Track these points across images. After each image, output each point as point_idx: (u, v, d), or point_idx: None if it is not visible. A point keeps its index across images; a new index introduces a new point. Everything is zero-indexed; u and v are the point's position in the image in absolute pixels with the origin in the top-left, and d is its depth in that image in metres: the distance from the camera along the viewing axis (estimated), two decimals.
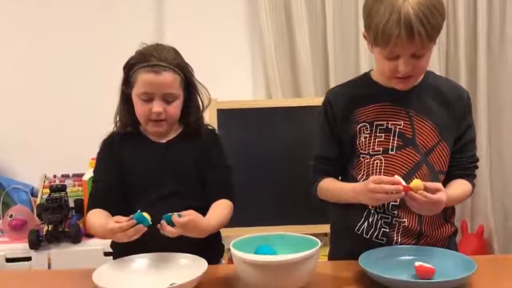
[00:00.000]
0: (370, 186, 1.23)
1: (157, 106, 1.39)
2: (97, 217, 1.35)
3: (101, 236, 1.32)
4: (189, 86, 1.46)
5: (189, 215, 1.24)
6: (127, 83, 1.44)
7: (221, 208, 1.41)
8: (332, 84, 2.59)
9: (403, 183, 1.22)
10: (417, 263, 1.18)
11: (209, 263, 1.22)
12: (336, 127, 1.42)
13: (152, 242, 1.28)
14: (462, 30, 2.62)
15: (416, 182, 1.22)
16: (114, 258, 1.40)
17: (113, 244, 1.51)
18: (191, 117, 1.48)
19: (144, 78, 1.38)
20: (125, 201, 1.42)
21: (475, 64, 2.65)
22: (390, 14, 1.20)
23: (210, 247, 1.39)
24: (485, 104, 2.63)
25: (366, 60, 2.61)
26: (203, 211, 1.35)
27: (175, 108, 1.42)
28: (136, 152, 1.46)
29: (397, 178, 1.23)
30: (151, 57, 1.39)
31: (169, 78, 1.39)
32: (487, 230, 2.70)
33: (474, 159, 1.44)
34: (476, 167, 1.45)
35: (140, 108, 1.42)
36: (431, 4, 1.21)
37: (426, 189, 1.22)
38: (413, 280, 1.15)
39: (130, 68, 1.42)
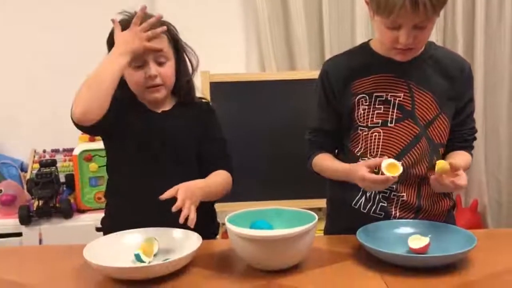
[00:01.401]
0: (359, 174, 1.22)
1: (152, 69, 1.34)
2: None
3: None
4: (177, 47, 1.42)
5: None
6: None
7: (218, 176, 1.39)
8: (327, 56, 2.55)
9: (399, 166, 1.20)
10: (412, 238, 1.17)
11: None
12: (334, 99, 1.39)
13: (144, 220, 1.25)
14: (460, 4, 2.58)
15: (442, 165, 1.20)
16: (104, 234, 1.36)
17: (104, 221, 1.48)
18: (182, 80, 1.42)
19: None
20: (118, 164, 1.40)
21: (472, 39, 2.62)
22: None
23: (205, 225, 1.34)
24: (482, 79, 2.61)
25: (362, 34, 2.57)
26: None
27: (169, 69, 1.38)
28: (133, 119, 1.38)
29: (385, 162, 1.21)
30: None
31: (159, 42, 1.34)
32: (481, 204, 2.71)
33: (474, 131, 1.43)
34: (475, 138, 1.44)
35: (134, 77, 1.35)
36: None
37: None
38: (410, 255, 1.13)
39: (113, 38, 1.34)
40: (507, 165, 2.71)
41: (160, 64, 1.36)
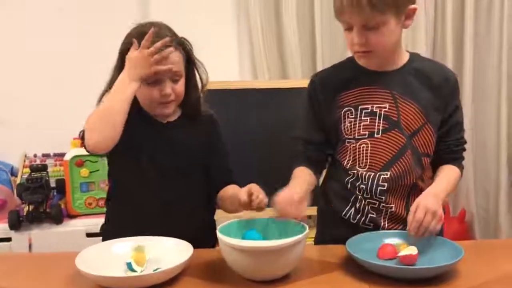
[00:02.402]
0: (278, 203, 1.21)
1: (167, 88, 1.33)
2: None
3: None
4: (189, 62, 1.40)
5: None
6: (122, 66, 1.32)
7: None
8: (319, 66, 2.57)
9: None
10: (401, 249, 1.18)
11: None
12: (320, 111, 1.41)
13: (149, 228, 1.26)
14: (450, 14, 2.61)
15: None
16: (104, 240, 1.37)
17: (104, 227, 1.48)
18: (192, 95, 1.41)
19: None
20: (123, 172, 1.39)
21: (462, 49, 2.66)
22: None
23: (205, 237, 1.35)
24: (470, 88, 2.65)
25: None
26: (203, 194, 1.36)
27: (181, 87, 1.37)
28: (137, 129, 1.35)
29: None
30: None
31: (176, 57, 1.33)
32: (469, 213, 2.74)
33: (462, 141, 1.42)
34: (464, 149, 1.43)
35: (146, 92, 1.33)
36: None
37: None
38: (398, 266, 1.15)
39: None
40: (495, 175, 2.74)
41: (174, 81, 1.35)
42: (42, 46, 2.61)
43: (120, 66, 1.33)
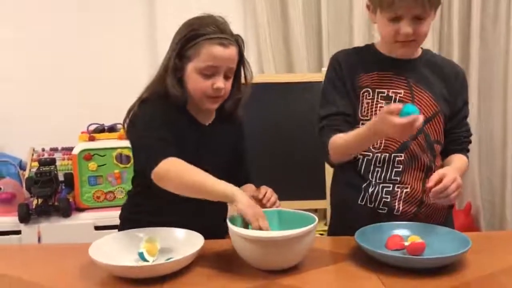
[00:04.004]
0: (389, 120, 1.18)
1: (221, 82, 1.32)
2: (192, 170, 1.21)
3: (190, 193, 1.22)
4: (239, 62, 1.39)
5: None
6: (182, 56, 1.32)
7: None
8: (326, 60, 2.58)
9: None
10: (409, 240, 1.20)
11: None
12: (345, 86, 1.43)
13: (179, 223, 1.27)
14: (456, 9, 2.61)
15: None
16: (120, 230, 1.38)
17: (123, 215, 1.49)
18: (233, 95, 1.40)
19: (211, 52, 1.29)
20: None
21: (468, 43, 2.66)
22: None
23: (220, 225, 1.32)
24: (476, 82, 2.66)
25: (360, 38, 2.61)
26: None
27: (229, 85, 1.36)
28: (185, 130, 1.35)
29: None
30: (213, 29, 1.30)
31: (234, 52, 1.33)
32: (474, 206, 2.75)
33: (469, 133, 1.49)
34: (470, 142, 1.50)
35: (199, 83, 1.32)
36: None
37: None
38: (407, 256, 1.16)
39: (189, 41, 1.30)
40: (500, 167, 2.75)
41: (226, 78, 1.34)
42: (50, 42, 2.63)
43: (179, 52, 1.32)
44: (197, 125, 1.40)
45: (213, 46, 1.29)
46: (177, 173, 1.21)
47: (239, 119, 1.49)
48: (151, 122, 1.30)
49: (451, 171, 1.26)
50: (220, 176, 1.25)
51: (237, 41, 1.35)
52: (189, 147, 1.33)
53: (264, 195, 1.37)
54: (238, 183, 1.45)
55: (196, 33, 1.30)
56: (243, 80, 1.42)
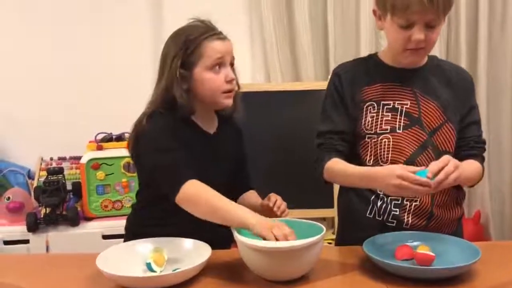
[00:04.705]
0: (398, 172, 1.17)
1: (231, 72, 1.37)
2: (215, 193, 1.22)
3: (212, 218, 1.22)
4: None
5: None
6: (186, 64, 1.34)
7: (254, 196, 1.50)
8: (332, 68, 2.57)
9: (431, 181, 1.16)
10: (418, 250, 1.19)
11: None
12: (345, 103, 1.41)
13: (167, 230, 1.29)
14: (463, 15, 2.61)
15: None
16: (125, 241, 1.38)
17: (129, 227, 1.49)
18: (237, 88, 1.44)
19: (213, 47, 1.33)
20: None
21: (476, 50, 2.65)
22: None
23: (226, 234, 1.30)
24: (484, 89, 2.64)
25: (367, 46, 2.60)
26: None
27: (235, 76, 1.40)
28: (191, 140, 1.37)
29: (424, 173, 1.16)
30: (205, 29, 1.36)
31: (231, 44, 1.38)
32: (484, 215, 2.72)
33: (480, 139, 1.44)
34: (484, 149, 1.44)
35: (213, 81, 1.34)
36: None
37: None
38: (415, 267, 1.15)
39: (188, 47, 1.33)
40: (510, 176, 2.72)
41: (232, 68, 1.39)
42: (59, 52, 2.65)
43: (183, 61, 1.33)
44: (204, 135, 1.41)
45: (213, 42, 1.34)
46: (204, 199, 1.22)
47: (238, 125, 1.51)
48: (163, 140, 1.30)
49: (452, 159, 1.20)
50: (226, 184, 1.30)
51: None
52: (197, 157, 1.34)
53: (275, 203, 1.37)
54: (241, 189, 1.49)
55: (193, 37, 1.34)
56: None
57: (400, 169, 1.19)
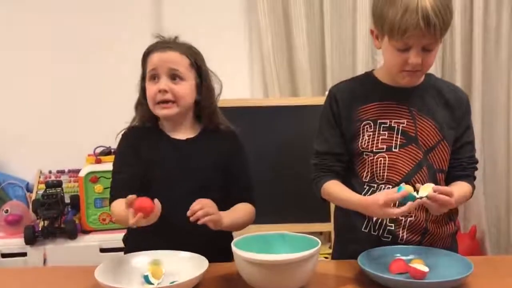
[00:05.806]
0: (381, 202, 1.22)
1: (163, 84, 1.40)
2: (121, 206, 1.25)
3: (126, 224, 1.25)
4: (200, 72, 1.46)
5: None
6: (144, 77, 1.47)
7: (242, 209, 1.45)
8: (329, 84, 2.60)
9: (415, 194, 1.22)
10: (412, 263, 1.20)
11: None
12: (340, 123, 1.43)
13: (162, 245, 1.29)
14: (458, 35, 2.64)
15: (426, 188, 1.23)
16: (125, 253, 1.40)
17: (127, 241, 1.51)
18: (206, 103, 1.46)
19: (151, 59, 1.42)
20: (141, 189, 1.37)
21: (470, 69, 2.68)
22: (407, 6, 1.24)
23: (224, 251, 1.32)
24: (480, 108, 2.66)
25: (363, 62, 2.63)
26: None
27: (183, 89, 1.41)
28: (155, 148, 1.43)
29: (405, 188, 1.22)
30: (156, 43, 1.46)
31: (174, 56, 1.41)
32: (480, 230, 2.73)
33: (473, 160, 1.46)
34: (475, 168, 1.47)
35: (149, 91, 1.43)
36: (444, 1, 1.26)
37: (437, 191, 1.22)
38: (410, 280, 1.16)
39: (143, 60, 1.46)
40: (506, 192, 2.74)
41: (174, 81, 1.41)
42: (57, 64, 2.67)
43: (142, 73, 1.49)
44: (172, 142, 1.45)
45: (152, 54, 1.43)
46: (115, 214, 1.37)
47: (228, 134, 1.51)
48: (115, 163, 1.47)
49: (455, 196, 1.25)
50: (200, 191, 1.32)
51: (188, 52, 1.44)
52: (167, 164, 1.41)
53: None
54: (232, 202, 1.45)
55: (145, 52, 1.46)
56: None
57: (382, 197, 1.23)
